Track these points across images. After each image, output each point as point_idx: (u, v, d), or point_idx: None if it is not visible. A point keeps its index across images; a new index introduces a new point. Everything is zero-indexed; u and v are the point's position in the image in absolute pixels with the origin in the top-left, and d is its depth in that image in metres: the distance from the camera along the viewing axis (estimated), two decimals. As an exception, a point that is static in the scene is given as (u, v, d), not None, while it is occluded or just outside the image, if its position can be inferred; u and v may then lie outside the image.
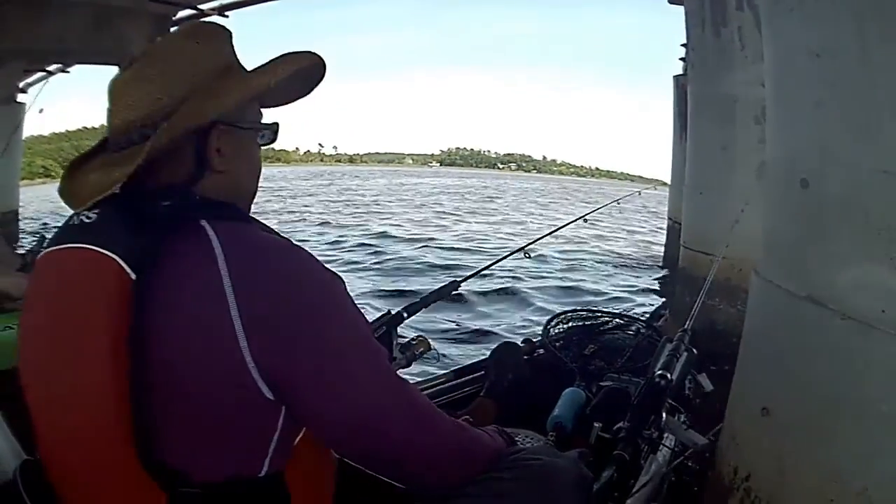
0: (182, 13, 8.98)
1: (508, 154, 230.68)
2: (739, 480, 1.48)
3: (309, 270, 0.87)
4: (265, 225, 0.93)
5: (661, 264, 9.31)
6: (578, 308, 2.68)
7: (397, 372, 1.82)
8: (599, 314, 2.61)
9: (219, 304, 0.77)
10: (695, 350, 1.67)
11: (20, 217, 11.32)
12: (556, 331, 2.45)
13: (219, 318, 0.77)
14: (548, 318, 2.55)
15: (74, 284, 0.81)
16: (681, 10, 5.92)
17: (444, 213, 19.22)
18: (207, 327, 0.78)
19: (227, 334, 0.77)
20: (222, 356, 0.78)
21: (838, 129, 1.27)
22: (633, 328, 2.46)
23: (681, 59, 8.58)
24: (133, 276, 0.78)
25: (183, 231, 0.82)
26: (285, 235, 0.91)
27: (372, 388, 0.86)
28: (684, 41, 7.14)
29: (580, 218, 3.20)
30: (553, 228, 3.17)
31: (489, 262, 2.51)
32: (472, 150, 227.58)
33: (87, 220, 0.84)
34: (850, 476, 1.19)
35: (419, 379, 2.24)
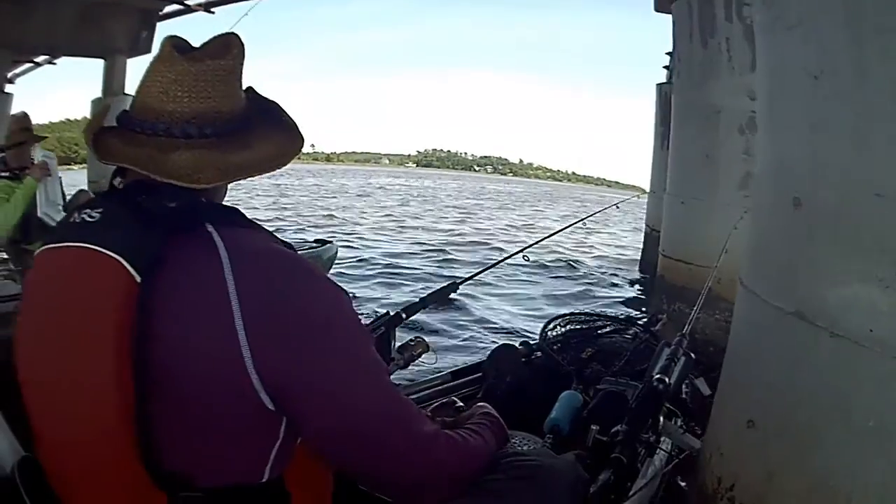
0: (168, 8, 8.86)
1: (485, 156, 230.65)
2: (724, 490, 1.49)
3: (315, 283, 0.86)
4: (270, 232, 0.92)
5: (637, 272, 9.34)
6: (576, 311, 2.68)
7: (395, 373, 1.83)
8: (597, 318, 2.61)
9: (224, 314, 0.77)
10: (693, 355, 1.67)
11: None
12: (554, 334, 2.44)
13: (223, 327, 0.77)
14: (546, 321, 2.54)
15: (78, 286, 0.80)
16: (666, 17, 5.91)
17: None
18: (211, 336, 0.77)
19: (231, 344, 0.77)
20: (226, 365, 0.77)
21: (832, 149, 1.28)
22: (631, 332, 2.45)
23: (665, 67, 8.60)
24: (138, 279, 0.76)
25: (189, 235, 0.80)
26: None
27: (370, 405, 0.86)
28: (669, 49, 7.20)
29: (579, 221, 3.22)
30: (552, 231, 3.16)
31: (488, 265, 2.51)
32: (448, 151, 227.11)
33: (90, 219, 0.82)
34: (837, 485, 1.21)
35: (416, 380, 2.23)
